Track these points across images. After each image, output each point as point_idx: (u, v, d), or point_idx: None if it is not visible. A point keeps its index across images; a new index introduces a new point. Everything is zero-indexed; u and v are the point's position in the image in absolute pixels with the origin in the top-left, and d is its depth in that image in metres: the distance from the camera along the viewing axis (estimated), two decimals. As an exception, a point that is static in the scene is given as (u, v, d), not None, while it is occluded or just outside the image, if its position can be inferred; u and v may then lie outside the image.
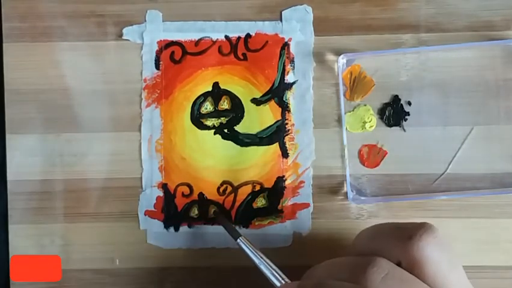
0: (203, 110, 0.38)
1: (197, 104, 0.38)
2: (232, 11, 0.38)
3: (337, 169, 0.37)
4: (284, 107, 0.37)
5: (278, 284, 0.32)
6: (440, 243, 0.27)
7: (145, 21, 0.38)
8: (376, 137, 0.37)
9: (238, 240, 0.34)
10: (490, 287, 0.36)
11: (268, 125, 0.37)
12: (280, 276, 0.32)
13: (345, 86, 0.37)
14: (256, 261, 0.33)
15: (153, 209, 0.37)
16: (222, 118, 0.38)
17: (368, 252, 0.28)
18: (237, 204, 0.37)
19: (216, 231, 0.37)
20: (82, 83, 0.38)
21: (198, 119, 0.38)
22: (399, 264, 0.27)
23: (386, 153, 0.37)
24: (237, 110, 0.38)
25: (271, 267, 0.32)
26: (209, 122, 0.38)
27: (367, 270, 0.26)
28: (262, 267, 0.32)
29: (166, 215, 0.37)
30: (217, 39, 0.38)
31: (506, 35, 0.37)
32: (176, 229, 0.37)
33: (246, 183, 0.37)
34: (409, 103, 0.37)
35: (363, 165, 0.37)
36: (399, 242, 0.28)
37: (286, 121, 0.37)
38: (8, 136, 0.38)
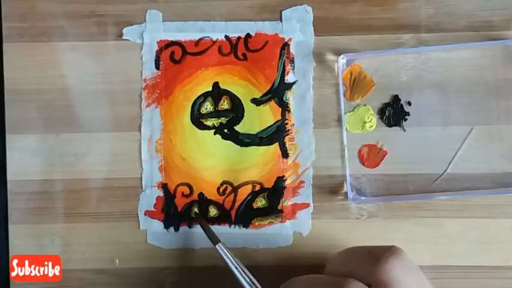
0: (203, 110, 0.38)
1: (197, 104, 0.38)
2: (232, 11, 0.38)
3: (337, 169, 0.37)
4: (284, 107, 0.37)
5: None
6: (406, 266, 0.28)
7: (145, 21, 0.38)
8: (376, 137, 0.37)
9: (217, 246, 0.34)
10: (490, 287, 0.36)
11: (268, 125, 0.37)
12: (256, 286, 0.33)
13: (345, 86, 0.37)
14: (233, 268, 0.33)
15: (153, 209, 0.37)
16: (222, 118, 0.38)
17: (342, 275, 0.29)
18: (237, 204, 0.37)
19: (215, 231, 0.37)
20: (82, 83, 0.38)
21: (198, 119, 0.38)
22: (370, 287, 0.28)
23: (386, 153, 0.37)
24: (237, 110, 0.38)
25: (247, 276, 0.33)
26: (209, 122, 0.38)
27: None
28: (238, 275, 0.33)
29: (166, 215, 0.37)
30: (217, 39, 0.38)
31: (506, 35, 0.37)
32: (176, 229, 0.37)
33: (246, 183, 0.37)
34: (409, 103, 0.37)
35: (363, 165, 0.37)
36: (369, 265, 0.28)
37: (286, 121, 0.37)
38: (8, 136, 0.38)
